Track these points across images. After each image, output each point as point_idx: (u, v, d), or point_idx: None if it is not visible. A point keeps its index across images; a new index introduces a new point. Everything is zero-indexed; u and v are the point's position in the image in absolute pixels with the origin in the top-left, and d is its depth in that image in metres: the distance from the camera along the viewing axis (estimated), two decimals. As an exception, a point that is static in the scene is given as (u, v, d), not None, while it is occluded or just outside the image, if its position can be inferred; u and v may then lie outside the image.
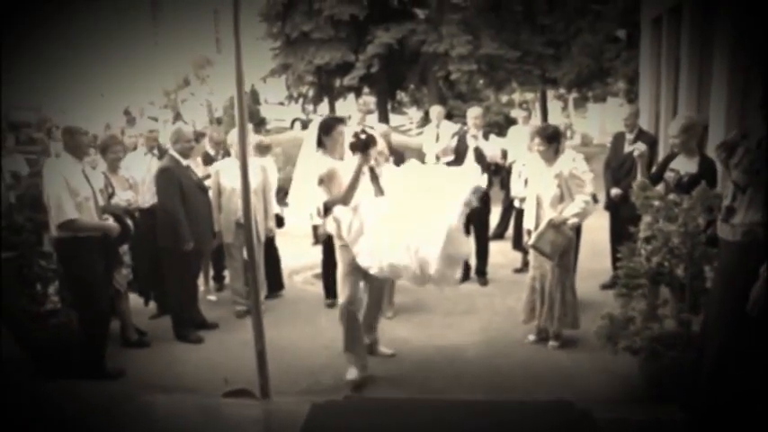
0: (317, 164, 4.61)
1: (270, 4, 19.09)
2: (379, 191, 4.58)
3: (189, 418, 2.85)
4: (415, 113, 31.09)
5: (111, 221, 5.01)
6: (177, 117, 22.11)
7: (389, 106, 23.16)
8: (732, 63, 6.69)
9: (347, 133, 4.72)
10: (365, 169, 4.54)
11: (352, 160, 4.66)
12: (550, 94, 28.70)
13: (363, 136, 4.44)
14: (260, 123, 22.78)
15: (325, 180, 4.55)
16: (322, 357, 5.27)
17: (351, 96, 22.81)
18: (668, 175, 5.04)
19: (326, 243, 6.64)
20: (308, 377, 4.87)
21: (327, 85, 20.59)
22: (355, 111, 8.74)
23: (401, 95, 26.70)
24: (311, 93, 22.37)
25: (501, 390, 4.56)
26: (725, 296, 2.87)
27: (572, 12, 20.31)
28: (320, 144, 4.67)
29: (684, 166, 5.01)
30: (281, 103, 29.37)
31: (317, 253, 8.70)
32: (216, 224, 6.27)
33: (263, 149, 7.19)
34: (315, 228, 6.93)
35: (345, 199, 4.51)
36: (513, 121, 20.77)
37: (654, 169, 5.40)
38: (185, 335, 5.81)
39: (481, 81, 21.78)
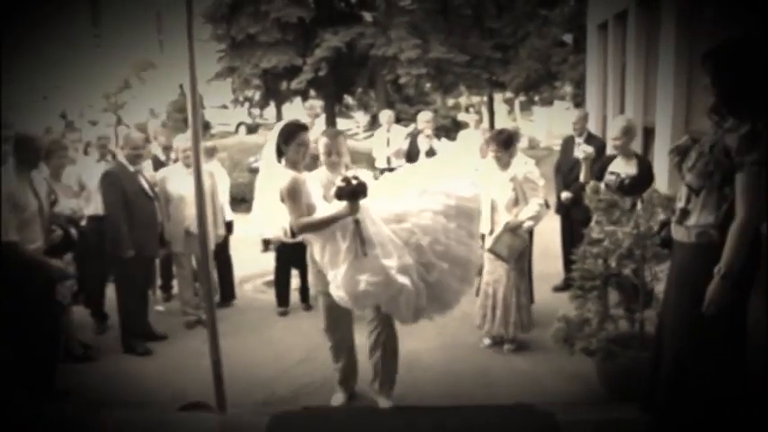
0: (278, 177, 3.96)
1: (215, 6, 18.82)
2: (362, 251, 3.67)
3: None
4: (361, 117, 31.17)
5: (58, 232, 4.83)
6: (119, 121, 21.62)
7: (336, 110, 23.15)
8: (677, 68, 6.94)
9: (311, 142, 4.21)
10: (349, 221, 3.73)
11: (320, 173, 4.27)
12: (498, 97, 29.24)
13: (355, 182, 3.64)
14: (204, 127, 22.47)
15: (286, 198, 3.84)
16: (276, 367, 5.22)
17: (297, 100, 22.71)
18: (608, 178, 5.23)
19: (279, 249, 6.61)
20: (264, 388, 4.81)
21: (274, 88, 20.43)
22: (303, 114, 8.74)
23: (348, 99, 26.74)
24: (257, 96, 22.19)
25: (459, 395, 4.59)
26: (680, 296, 2.97)
27: (520, 16, 20.79)
28: (280, 154, 4.02)
29: (624, 168, 5.24)
30: (225, 107, 29.01)
31: (266, 260, 8.67)
32: (166, 233, 6.19)
33: (208, 153, 7.12)
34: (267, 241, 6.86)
35: (302, 230, 3.89)
36: (460, 125, 21.10)
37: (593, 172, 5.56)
38: (133, 347, 5.68)
39: (429, 85, 22.02)
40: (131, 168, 5.76)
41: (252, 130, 30.14)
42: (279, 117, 21.94)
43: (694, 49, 6.70)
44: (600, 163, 5.57)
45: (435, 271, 3.83)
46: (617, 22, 11.04)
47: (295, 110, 28.35)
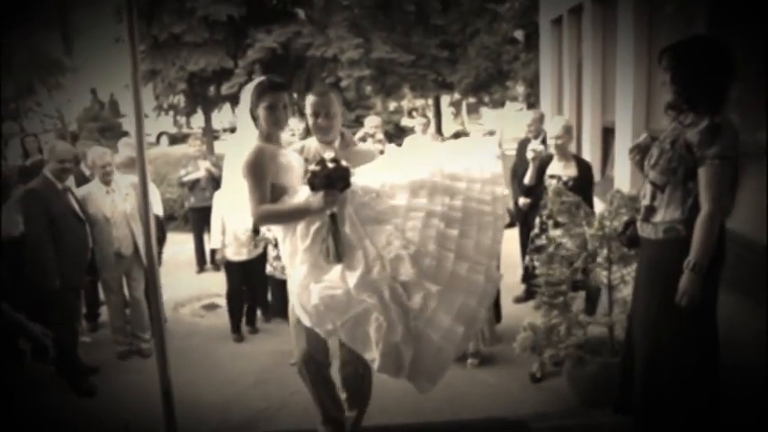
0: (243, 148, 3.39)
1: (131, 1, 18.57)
2: (336, 255, 3.08)
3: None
4: (297, 124, 31.18)
5: None
6: (21, 130, 21.10)
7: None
8: (636, 64, 7.34)
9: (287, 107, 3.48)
10: (325, 216, 3.13)
11: (307, 144, 3.83)
12: (444, 100, 29.73)
13: (332, 165, 3.08)
14: (122, 137, 22.13)
15: (245, 174, 3.28)
16: (228, 393, 5.33)
17: (227, 106, 22.62)
18: (549, 181, 5.55)
19: (228, 269, 6.70)
20: (217, 415, 4.92)
21: (202, 93, 20.26)
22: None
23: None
24: (182, 102, 22.00)
25: (425, 412, 4.73)
26: (651, 293, 3.26)
27: (468, 12, 21.24)
28: (255, 119, 3.43)
29: (563, 170, 5.59)
30: (145, 116, 28.59)
31: (200, 282, 8.73)
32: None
33: (128, 165, 7.02)
34: (212, 252, 6.91)
35: (262, 220, 3.42)
36: (403, 130, 21.39)
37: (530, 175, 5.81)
38: (77, 383, 5.61)
39: (369, 87, 22.25)
40: (59, 185, 5.63)
41: (175, 140, 29.87)
42: (207, 125, 21.79)
43: (654, 44, 7.10)
44: (539, 165, 5.78)
45: (419, 295, 3.04)
46: (572, 17, 11.40)
47: (223, 118, 28.28)
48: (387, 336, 2.98)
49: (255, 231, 6.50)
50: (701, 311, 3.11)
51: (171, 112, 22.28)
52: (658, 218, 3.21)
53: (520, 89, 21.93)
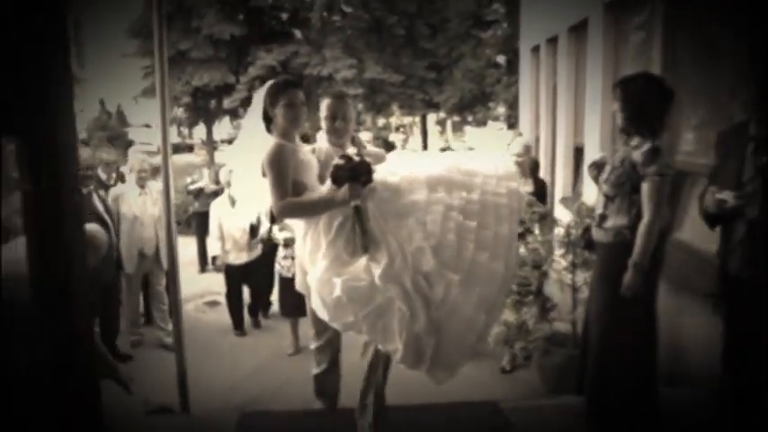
0: (259, 146, 3.27)
1: (141, 21, 18.95)
2: (363, 245, 3.02)
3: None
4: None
5: None
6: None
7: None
8: (603, 91, 7.71)
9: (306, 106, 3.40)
10: (348, 209, 3.06)
11: (319, 146, 3.69)
12: (431, 118, 30.14)
13: (357, 159, 3.02)
14: (128, 146, 22.39)
15: (267, 169, 3.17)
16: (229, 379, 5.64)
17: (226, 119, 22.95)
18: None
19: (227, 272, 6.91)
20: (220, 396, 5.19)
21: (204, 107, 20.58)
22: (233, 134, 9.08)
23: (278, 119, 27.02)
24: (186, 115, 22.29)
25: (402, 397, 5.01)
26: (602, 288, 3.66)
27: (454, 37, 21.71)
28: (268, 122, 3.34)
29: (522, 186, 5.92)
30: (148, 126, 28.84)
31: (202, 281, 8.99)
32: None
33: (154, 173, 7.33)
34: (214, 258, 7.15)
35: (286, 213, 3.24)
36: (391, 145, 21.75)
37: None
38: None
39: (361, 105, 22.61)
40: (83, 190, 5.82)
41: (177, 149, 30.07)
42: (209, 136, 22.09)
43: (619, 74, 7.49)
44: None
45: (441, 285, 2.95)
46: (549, 46, 11.68)
47: (222, 130, 28.54)
48: (409, 326, 2.89)
49: (252, 234, 6.75)
50: (642, 303, 3.49)
51: (174, 124, 22.54)
52: (609, 224, 3.59)
53: (501, 110, 22.38)
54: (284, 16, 21.36)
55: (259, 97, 3.33)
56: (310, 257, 3.16)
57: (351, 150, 3.18)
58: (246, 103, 20.00)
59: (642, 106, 3.46)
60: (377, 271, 2.90)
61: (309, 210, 3.15)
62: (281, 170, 3.13)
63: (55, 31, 2.22)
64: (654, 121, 3.45)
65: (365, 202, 3.03)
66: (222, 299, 7.37)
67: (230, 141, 16.42)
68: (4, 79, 2.12)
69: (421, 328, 2.89)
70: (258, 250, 6.89)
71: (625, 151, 3.55)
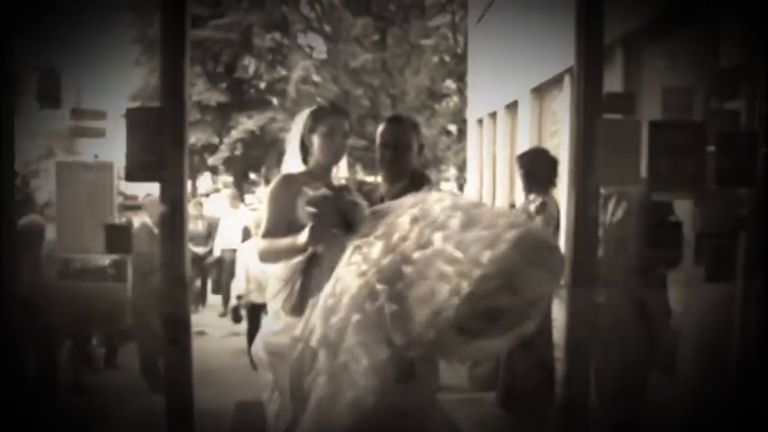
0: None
1: (142, 88, 19.77)
2: (292, 308, 2.44)
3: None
4: (263, 192, 31.76)
5: None
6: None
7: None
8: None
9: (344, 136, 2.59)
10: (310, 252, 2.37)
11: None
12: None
13: (329, 193, 2.20)
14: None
15: (265, 203, 2.57)
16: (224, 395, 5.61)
17: (206, 174, 23.61)
18: None
19: (251, 311, 6.49)
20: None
21: (190, 163, 21.23)
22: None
23: (254, 175, 27.83)
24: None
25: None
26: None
27: (411, 108, 22.93)
28: (304, 152, 2.62)
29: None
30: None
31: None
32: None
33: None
34: (239, 297, 6.86)
35: (262, 255, 2.51)
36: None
37: None
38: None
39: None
40: None
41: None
42: (193, 190, 22.70)
43: (542, 142, 8.53)
44: None
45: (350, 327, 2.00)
46: (490, 120, 12.77)
47: (202, 184, 28.94)
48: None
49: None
50: None
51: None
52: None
53: (452, 172, 23.42)
54: (262, 86, 22.43)
55: (300, 120, 2.63)
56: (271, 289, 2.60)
57: (341, 182, 2.42)
58: (228, 162, 21.00)
59: (534, 172, 4.27)
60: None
61: (279, 254, 2.43)
62: (274, 206, 2.48)
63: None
64: (544, 182, 4.26)
65: (328, 253, 2.23)
66: (208, 329, 7.75)
67: (207, 195, 17.00)
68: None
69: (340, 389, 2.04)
70: None
71: (525, 204, 4.35)
